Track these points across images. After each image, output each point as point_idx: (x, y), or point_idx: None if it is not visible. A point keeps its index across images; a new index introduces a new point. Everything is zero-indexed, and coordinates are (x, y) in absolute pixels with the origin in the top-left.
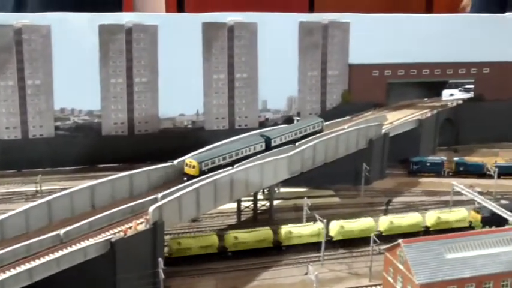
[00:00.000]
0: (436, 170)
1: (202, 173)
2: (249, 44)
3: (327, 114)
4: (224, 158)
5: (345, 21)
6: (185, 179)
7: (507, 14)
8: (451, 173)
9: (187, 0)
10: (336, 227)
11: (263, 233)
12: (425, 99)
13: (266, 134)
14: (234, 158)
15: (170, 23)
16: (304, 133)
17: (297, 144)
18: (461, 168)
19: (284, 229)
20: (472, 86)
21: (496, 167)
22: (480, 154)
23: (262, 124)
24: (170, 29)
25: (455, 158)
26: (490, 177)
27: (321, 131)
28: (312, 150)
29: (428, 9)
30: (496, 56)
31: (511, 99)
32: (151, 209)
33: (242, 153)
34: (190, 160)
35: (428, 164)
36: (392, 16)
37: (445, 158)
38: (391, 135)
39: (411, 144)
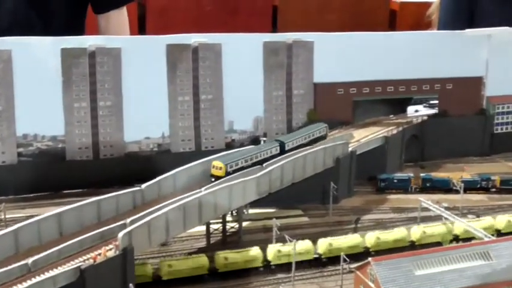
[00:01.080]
0: (404, 187)
1: (227, 174)
2: (213, 65)
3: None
4: (246, 161)
5: (309, 40)
6: (212, 179)
7: (467, 30)
8: (418, 189)
9: (148, 23)
10: (325, 245)
11: (253, 253)
12: (391, 116)
13: (280, 139)
14: (254, 160)
15: (134, 46)
16: (312, 137)
17: (264, 165)
18: (427, 184)
19: (273, 248)
20: (436, 102)
21: (462, 182)
22: (446, 169)
23: (229, 145)
24: (134, 51)
25: (422, 174)
26: (456, 192)
27: (325, 135)
28: (279, 170)
29: (392, 25)
30: (458, 72)
31: (474, 114)
32: (120, 234)
33: (261, 156)
34: (217, 162)
35: (395, 181)
36: (355, 34)
37: (412, 175)
38: (358, 153)
39: (378, 162)
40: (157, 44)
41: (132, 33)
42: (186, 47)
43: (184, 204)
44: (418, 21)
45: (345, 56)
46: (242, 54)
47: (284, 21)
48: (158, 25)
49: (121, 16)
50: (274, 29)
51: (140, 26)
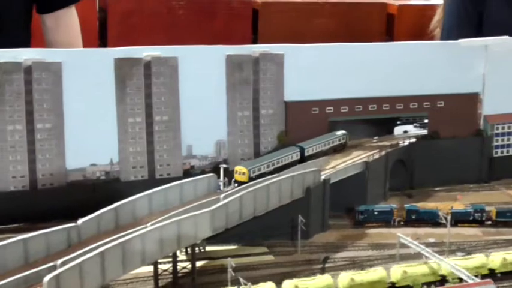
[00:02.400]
0: (385, 219)
1: (250, 179)
2: (169, 82)
3: None
4: (268, 166)
5: (279, 52)
6: (236, 185)
7: (461, 41)
8: (402, 222)
9: (110, 29)
10: (347, 280)
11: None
12: (375, 137)
13: (300, 145)
14: (276, 166)
15: (76, 60)
16: (332, 144)
17: (221, 196)
18: (413, 217)
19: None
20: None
21: (452, 213)
22: (437, 199)
23: (187, 173)
24: (77, 66)
25: (406, 205)
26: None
27: (345, 144)
28: (238, 203)
29: (390, 31)
30: (451, 87)
31: (470, 136)
32: (46, 279)
33: (282, 162)
34: (240, 167)
35: (376, 213)
36: (332, 46)
37: (394, 206)
38: (332, 181)
39: (357, 191)
40: (104, 57)
41: (91, 42)
42: (137, 61)
43: (123, 243)
44: (419, 25)
45: (320, 70)
46: (202, 69)
47: (266, 27)
48: (122, 32)
49: (72, 17)
50: (255, 35)
51: (101, 33)
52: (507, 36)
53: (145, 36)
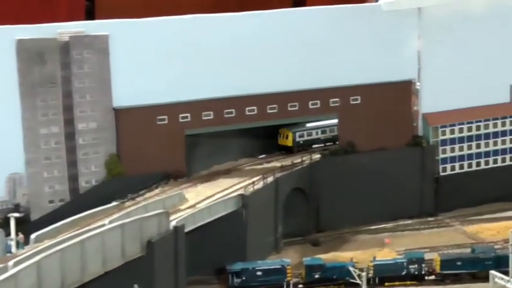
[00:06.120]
0: (275, 282)
1: (296, 144)
2: None
3: (82, 200)
4: (317, 133)
5: (102, 33)
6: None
7: (382, 3)
8: (300, 285)
9: None
10: None
11: None
12: (260, 156)
13: None
14: (328, 134)
15: None
16: None
17: (11, 263)
18: (316, 275)
19: None
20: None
21: (374, 267)
22: (358, 245)
23: None
24: None
25: (306, 259)
26: (369, 284)
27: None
28: (35, 272)
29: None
30: (371, 74)
31: (402, 147)
32: None
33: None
34: (284, 129)
35: (259, 274)
36: (187, 19)
37: (288, 261)
38: (190, 228)
39: (231, 241)
40: None
41: None
42: None
43: None
44: None
45: (169, 58)
46: None
47: (107, 5)
48: None
49: None
50: (91, 1)
51: None
52: None
53: None
